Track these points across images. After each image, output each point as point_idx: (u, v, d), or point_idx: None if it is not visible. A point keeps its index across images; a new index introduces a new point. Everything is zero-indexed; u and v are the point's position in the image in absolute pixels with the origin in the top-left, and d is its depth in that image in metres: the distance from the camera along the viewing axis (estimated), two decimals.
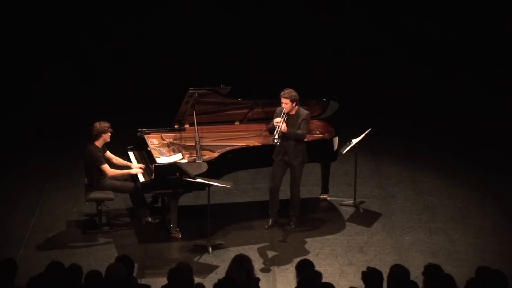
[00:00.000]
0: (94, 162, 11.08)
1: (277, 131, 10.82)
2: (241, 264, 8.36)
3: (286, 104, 10.92)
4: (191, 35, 17.12)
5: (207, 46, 16.94)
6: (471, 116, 14.82)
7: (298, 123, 11.01)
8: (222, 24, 17.07)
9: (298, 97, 10.98)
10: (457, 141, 13.95)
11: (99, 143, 11.13)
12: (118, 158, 11.48)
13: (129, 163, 11.49)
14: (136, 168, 11.29)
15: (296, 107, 11.03)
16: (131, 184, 11.23)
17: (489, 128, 14.35)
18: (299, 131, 10.99)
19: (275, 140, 10.80)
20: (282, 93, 10.95)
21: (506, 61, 16.30)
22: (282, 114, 10.91)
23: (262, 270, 10.40)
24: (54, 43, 16.70)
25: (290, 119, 10.98)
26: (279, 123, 10.86)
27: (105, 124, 11.11)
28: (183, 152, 11.47)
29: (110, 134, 11.14)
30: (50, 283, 7.88)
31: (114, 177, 11.23)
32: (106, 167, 11.11)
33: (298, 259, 8.64)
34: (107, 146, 11.33)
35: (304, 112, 11.10)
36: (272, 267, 10.51)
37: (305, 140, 11.32)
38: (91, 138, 11.12)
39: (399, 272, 8.08)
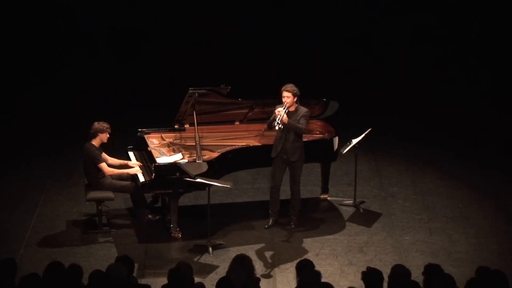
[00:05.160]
0: (92, 160, 11.07)
1: (279, 118, 10.84)
2: (242, 264, 8.36)
3: (288, 98, 10.94)
4: (191, 34, 17.12)
5: (207, 46, 16.94)
6: (471, 116, 14.82)
7: (298, 119, 11.02)
8: (222, 24, 17.07)
9: (299, 93, 11.00)
10: (458, 141, 13.95)
11: (96, 142, 11.13)
12: (114, 159, 11.45)
13: (125, 162, 11.48)
14: (134, 168, 11.28)
15: (296, 104, 11.05)
16: (131, 184, 11.23)
17: (489, 129, 14.35)
18: (299, 124, 11.01)
19: (277, 126, 10.81)
20: (283, 87, 10.98)
21: (506, 63, 16.31)
22: (284, 107, 10.93)
23: (262, 270, 10.39)
24: (53, 43, 16.71)
25: (289, 115, 10.99)
26: (281, 112, 10.87)
27: (104, 125, 11.11)
28: (183, 152, 11.47)
29: (108, 135, 11.14)
30: (47, 283, 7.90)
31: (114, 177, 11.22)
32: (104, 165, 11.11)
33: (298, 259, 8.64)
34: (106, 146, 11.32)
35: (303, 109, 11.12)
36: (272, 267, 10.51)
37: (305, 140, 11.35)
38: (89, 137, 11.12)
39: (400, 272, 8.08)
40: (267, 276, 10.31)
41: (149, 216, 11.40)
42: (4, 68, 16.13)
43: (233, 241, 11.06)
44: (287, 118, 10.90)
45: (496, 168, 13.01)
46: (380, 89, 15.88)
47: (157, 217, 11.40)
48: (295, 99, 11.00)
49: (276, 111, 10.97)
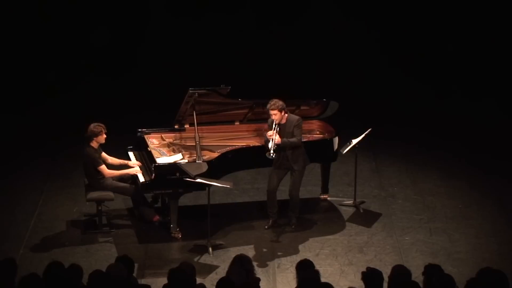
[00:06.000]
0: (92, 163, 11.07)
1: (271, 146, 10.80)
2: (241, 264, 8.36)
3: (275, 115, 10.91)
4: (191, 34, 17.11)
5: (207, 46, 16.94)
6: (471, 117, 14.81)
7: (291, 131, 11.00)
8: (222, 24, 17.07)
9: (285, 106, 10.97)
10: (458, 141, 13.94)
11: (94, 144, 11.10)
12: (114, 158, 11.44)
13: (125, 162, 11.47)
14: (134, 168, 11.27)
15: (286, 115, 11.03)
16: (131, 187, 11.21)
17: (489, 129, 14.34)
18: (293, 139, 10.98)
19: (271, 155, 10.77)
20: (268, 105, 10.93)
21: (506, 64, 16.29)
22: (274, 126, 10.90)
23: (262, 270, 10.40)
24: (53, 43, 16.71)
25: (282, 128, 10.98)
26: (272, 135, 10.85)
27: (98, 127, 11.06)
28: (183, 152, 11.48)
29: (105, 136, 11.11)
30: (47, 283, 7.90)
31: (114, 177, 11.22)
32: (103, 168, 11.10)
33: (298, 259, 8.64)
34: (106, 147, 11.31)
35: (294, 118, 11.09)
36: (272, 267, 10.52)
37: (305, 140, 11.34)
38: (86, 140, 11.10)
39: (400, 272, 8.08)
40: (267, 276, 10.32)
41: (158, 217, 11.35)
42: (5, 70, 16.12)
43: (233, 241, 11.06)
44: (279, 139, 10.87)
45: (496, 168, 13.00)
46: (380, 89, 15.86)
47: (168, 218, 11.25)
48: (282, 113, 10.96)
49: (267, 135, 10.92)
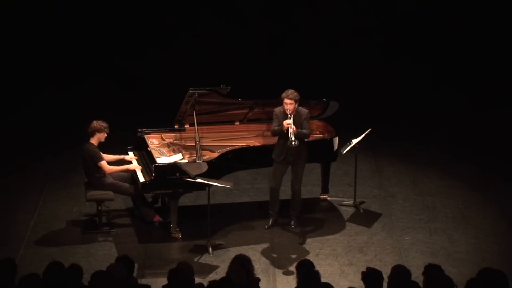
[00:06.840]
0: (92, 159, 11.06)
1: (291, 133, 10.78)
2: (241, 264, 8.36)
3: (291, 105, 10.87)
4: (191, 34, 17.11)
5: (207, 46, 16.93)
6: (471, 117, 14.80)
7: (301, 122, 11.00)
8: (222, 23, 17.07)
9: (299, 97, 10.98)
10: (458, 141, 13.93)
11: (94, 141, 11.11)
12: (109, 155, 11.41)
13: (121, 157, 11.46)
14: (133, 164, 11.27)
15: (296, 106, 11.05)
16: (130, 187, 11.21)
17: (489, 129, 14.33)
18: (305, 131, 10.99)
19: (293, 143, 10.76)
20: (285, 94, 10.88)
21: (505, 65, 16.29)
22: (289, 116, 10.87)
23: (262, 270, 10.40)
24: (55, 43, 16.72)
25: (293, 120, 10.97)
26: (290, 125, 10.82)
27: (102, 124, 11.09)
28: (183, 152, 11.48)
29: (106, 135, 11.12)
30: (47, 283, 7.91)
31: (114, 177, 11.22)
32: (103, 164, 11.10)
33: (298, 259, 8.64)
34: (105, 146, 11.31)
35: (304, 111, 11.09)
36: (272, 267, 10.52)
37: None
38: (87, 136, 11.10)
39: (400, 272, 8.08)
40: (267, 276, 10.32)
41: (158, 217, 11.35)
42: (7, 71, 16.12)
43: (233, 241, 11.06)
44: (295, 129, 10.86)
45: (496, 168, 13.00)
46: (380, 89, 15.86)
47: (168, 219, 11.26)
48: (296, 105, 10.96)
49: (285, 123, 10.88)
